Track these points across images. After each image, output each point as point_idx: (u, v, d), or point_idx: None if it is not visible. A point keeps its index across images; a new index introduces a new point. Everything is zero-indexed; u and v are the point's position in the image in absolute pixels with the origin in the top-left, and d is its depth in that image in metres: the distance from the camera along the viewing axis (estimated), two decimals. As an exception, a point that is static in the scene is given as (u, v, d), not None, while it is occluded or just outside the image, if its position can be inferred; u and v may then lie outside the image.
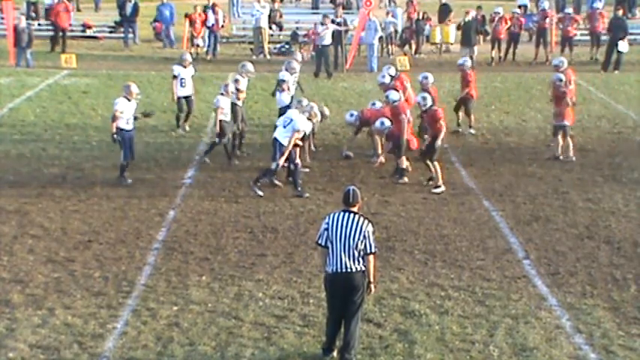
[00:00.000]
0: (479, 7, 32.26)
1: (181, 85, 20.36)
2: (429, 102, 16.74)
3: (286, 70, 20.10)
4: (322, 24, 28.50)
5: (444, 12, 33.30)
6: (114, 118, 16.40)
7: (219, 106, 17.77)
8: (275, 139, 16.08)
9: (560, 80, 18.54)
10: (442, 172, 16.62)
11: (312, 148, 18.65)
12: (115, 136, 16.40)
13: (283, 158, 15.93)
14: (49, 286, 12.20)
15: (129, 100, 16.62)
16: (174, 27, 33.79)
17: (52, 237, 14.10)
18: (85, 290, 12.08)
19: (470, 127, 20.88)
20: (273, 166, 16.04)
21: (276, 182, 16.48)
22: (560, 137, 18.34)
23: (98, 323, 11.11)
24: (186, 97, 20.50)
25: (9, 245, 13.71)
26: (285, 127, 16.05)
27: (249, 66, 19.56)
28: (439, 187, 16.36)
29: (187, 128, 20.64)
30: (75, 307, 11.57)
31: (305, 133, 16.57)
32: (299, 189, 16.07)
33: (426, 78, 19.21)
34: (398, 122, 16.92)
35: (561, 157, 18.28)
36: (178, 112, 20.64)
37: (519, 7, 33.61)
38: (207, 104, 23.25)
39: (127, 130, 16.50)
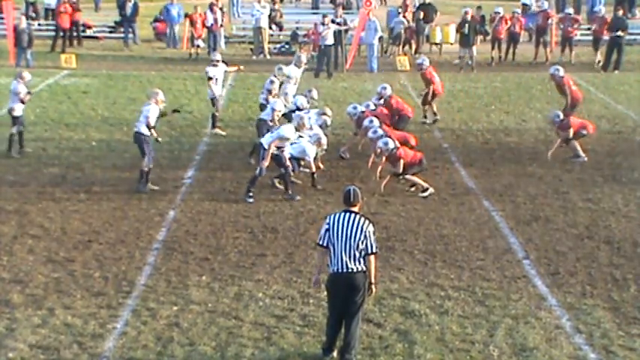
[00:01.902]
0: (479, 7, 32.27)
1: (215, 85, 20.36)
2: (391, 145, 16.14)
3: (295, 64, 20.62)
4: (323, 24, 28.52)
5: (429, 12, 33.07)
6: (149, 126, 16.10)
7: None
8: (260, 144, 16.07)
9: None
10: (443, 172, 16.61)
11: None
12: (146, 149, 16.12)
13: (266, 163, 15.78)
14: (48, 286, 12.20)
15: (160, 108, 16.42)
16: (177, 27, 33.80)
17: (51, 237, 14.10)
18: (84, 290, 12.08)
19: (424, 116, 21.69)
20: (257, 172, 15.96)
21: (278, 184, 16.47)
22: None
23: (98, 323, 11.11)
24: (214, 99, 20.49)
25: (9, 245, 13.70)
26: (272, 133, 16.08)
27: (286, 69, 19.88)
28: (426, 190, 16.28)
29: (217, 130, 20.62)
30: (75, 307, 11.56)
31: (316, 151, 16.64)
32: (290, 192, 16.00)
33: (385, 88, 19.23)
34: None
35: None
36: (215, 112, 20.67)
37: (523, 5, 33.42)
38: (208, 104, 23.28)
39: (149, 135, 16.33)
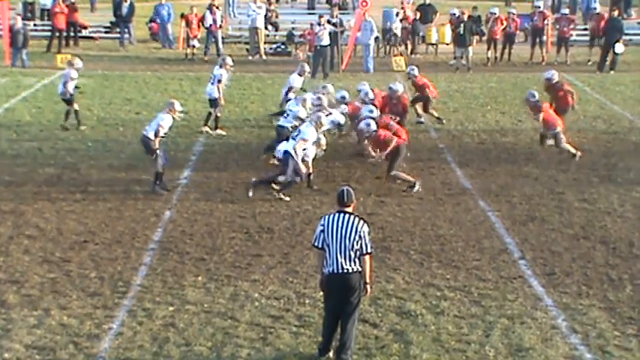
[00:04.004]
0: (474, 8, 32.30)
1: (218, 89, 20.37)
2: (373, 127, 16.41)
3: (299, 74, 20.65)
4: (319, 24, 28.53)
5: (427, 12, 33.13)
6: (157, 134, 16.09)
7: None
8: (285, 151, 15.99)
9: (534, 97, 18.59)
10: (439, 172, 16.61)
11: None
12: (158, 151, 16.09)
13: (303, 167, 15.85)
14: (44, 287, 12.19)
15: (173, 118, 16.39)
16: (171, 27, 33.78)
17: (47, 237, 14.08)
18: (80, 291, 12.07)
19: (418, 115, 21.61)
20: (297, 179, 16.02)
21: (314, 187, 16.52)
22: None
23: (94, 323, 11.11)
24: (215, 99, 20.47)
25: (4, 246, 13.69)
26: (294, 138, 16.03)
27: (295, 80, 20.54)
28: (414, 186, 16.31)
29: (210, 131, 20.60)
30: (71, 307, 11.56)
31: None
32: (282, 193, 15.98)
33: (366, 94, 19.12)
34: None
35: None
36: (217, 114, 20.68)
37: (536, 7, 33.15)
38: (204, 104, 23.26)
39: (163, 137, 16.35)
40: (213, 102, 20.41)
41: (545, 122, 18.40)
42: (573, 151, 18.40)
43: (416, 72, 21.31)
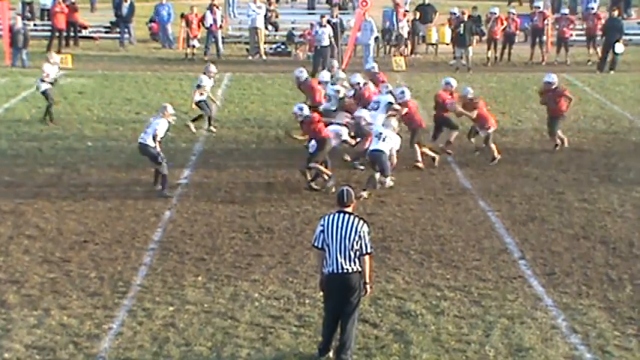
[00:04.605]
0: (474, 8, 32.31)
1: (200, 94, 20.40)
2: (306, 111, 16.71)
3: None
4: (321, 25, 28.54)
5: (427, 12, 33.10)
6: (155, 139, 16.03)
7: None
8: (379, 150, 16.00)
9: (469, 93, 18.43)
10: (439, 172, 16.65)
11: None
12: (161, 155, 16.07)
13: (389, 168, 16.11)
14: (44, 287, 12.19)
15: (168, 121, 16.38)
16: (171, 27, 33.77)
17: (47, 237, 14.08)
18: (80, 290, 12.08)
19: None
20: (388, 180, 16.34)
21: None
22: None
23: (94, 323, 11.11)
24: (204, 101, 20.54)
25: (4, 246, 13.69)
26: (384, 140, 16.04)
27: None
28: (329, 180, 16.40)
29: (213, 129, 20.76)
30: (71, 307, 11.56)
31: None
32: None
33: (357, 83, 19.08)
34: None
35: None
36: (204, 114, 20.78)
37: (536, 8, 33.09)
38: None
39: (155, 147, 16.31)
40: (198, 105, 20.49)
41: (479, 119, 18.27)
42: (496, 154, 18.15)
43: (407, 95, 18.13)
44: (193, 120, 20.62)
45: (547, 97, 19.35)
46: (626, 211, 15.57)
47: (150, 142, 16.00)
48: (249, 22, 32.30)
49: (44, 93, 21.30)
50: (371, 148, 16.14)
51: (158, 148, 16.10)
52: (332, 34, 28.91)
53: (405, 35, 32.07)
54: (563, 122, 19.44)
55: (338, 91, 18.06)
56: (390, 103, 17.79)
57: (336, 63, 21.17)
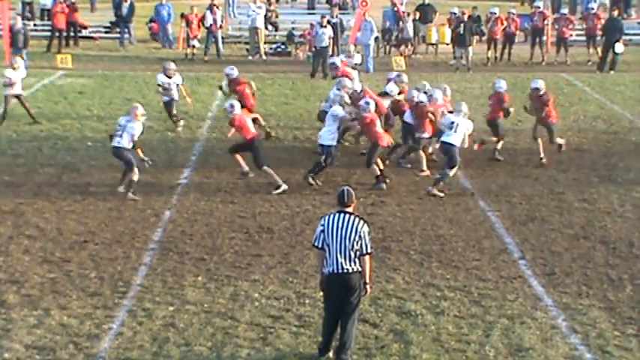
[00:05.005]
0: (474, 8, 32.31)
1: (164, 94, 20.52)
2: (236, 110, 16.81)
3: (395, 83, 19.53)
4: (321, 25, 28.54)
5: (427, 12, 33.09)
6: (135, 143, 15.97)
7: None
8: (450, 143, 16.17)
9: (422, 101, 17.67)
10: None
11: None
12: (133, 160, 15.94)
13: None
14: (44, 287, 12.19)
15: (142, 123, 16.37)
16: (172, 27, 33.77)
17: (47, 237, 14.09)
18: (80, 291, 12.08)
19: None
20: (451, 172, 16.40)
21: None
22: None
23: (94, 324, 11.11)
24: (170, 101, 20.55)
25: (4, 246, 13.69)
26: (456, 131, 16.16)
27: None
28: (278, 187, 16.41)
29: (179, 129, 20.69)
30: (71, 307, 11.56)
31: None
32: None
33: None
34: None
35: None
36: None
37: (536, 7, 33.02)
38: (203, 104, 23.33)
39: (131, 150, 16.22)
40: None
41: (370, 135, 17.23)
42: (425, 166, 17.50)
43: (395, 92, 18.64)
44: (173, 121, 20.58)
45: (535, 104, 18.57)
46: (626, 211, 15.57)
47: (126, 144, 15.90)
48: (249, 22, 32.30)
49: (6, 97, 20.97)
50: (443, 139, 16.37)
51: (141, 154, 16.08)
52: (332, 35, 28.92)
53: (411, 35, 32.00)
54: (556, 129, 18.70)
55: (342, 97, 17.67)
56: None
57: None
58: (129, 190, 15.96)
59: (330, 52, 28.60)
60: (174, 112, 20.63)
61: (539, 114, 18.35)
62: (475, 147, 18.10)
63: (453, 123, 16.28)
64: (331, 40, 28.89)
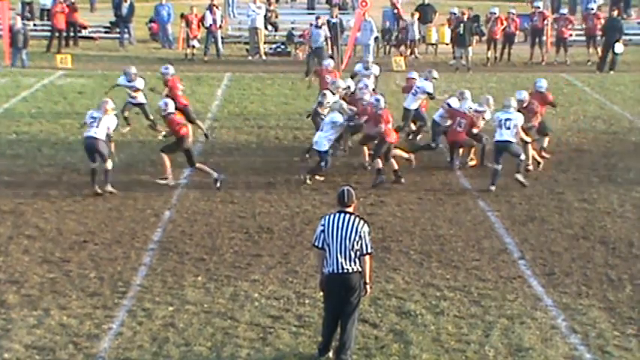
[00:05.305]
0: (469, 8, 32.30)
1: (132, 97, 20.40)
2: (170, 109, 16.77)
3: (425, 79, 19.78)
4: (317, 26, 28.53)
5: (427, 12, 33.08)
6: (110, 136, 16.24)
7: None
8: (506, 141, 16.50)
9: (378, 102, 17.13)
10: (439, 172, 16.64)
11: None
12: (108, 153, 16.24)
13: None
14: (44, 287, 12.19)
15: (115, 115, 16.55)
16: (171, 27, 33.77)
17: (47, 237, 14.08)
18: (80, 291, 12.07)
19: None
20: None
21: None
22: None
23: (94, 324, 11.11)
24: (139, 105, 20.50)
25: (4, 246, 13.69)
26: (508, 127, 16.44)
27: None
28: (165, 178, 16.58)
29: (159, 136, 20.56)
30: (70, 307, 11.56)
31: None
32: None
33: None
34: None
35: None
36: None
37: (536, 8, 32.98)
38: (203, 104, 23.35)
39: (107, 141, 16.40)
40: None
41: (386, 132, 16.90)
42: (377, 170, 16.90)
43: (382, 104, 17.18)
44: (151, 127, 20.49)
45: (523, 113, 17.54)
46: (626, 212, 15.57)
47: (103, 136, 16.04)
48: (249, 23, 32.29)
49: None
50: (497, 139, 16.58)
51: (112, 147, 16.34)
52: (328, 35, 28.88)
53: (416, 36, 31.91)
54: (543, 138, 18.38)
55: (340, 104, 17.55)
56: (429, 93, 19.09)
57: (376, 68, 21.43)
58: (106, 183, 16.08)
59: (330, 52, 28.63)
60: (151, 117, 20.40)
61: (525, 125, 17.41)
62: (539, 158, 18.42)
63: (501, 120, 16.55)
64: (328, 40, 28.90)
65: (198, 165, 16.68)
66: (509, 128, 16.36)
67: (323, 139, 16.74)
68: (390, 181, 16.78)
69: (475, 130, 17.71)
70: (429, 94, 19.24)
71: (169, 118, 16.59)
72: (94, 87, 25.68)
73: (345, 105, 17.42)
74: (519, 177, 16.61)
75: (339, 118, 16.88)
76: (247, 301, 11.79)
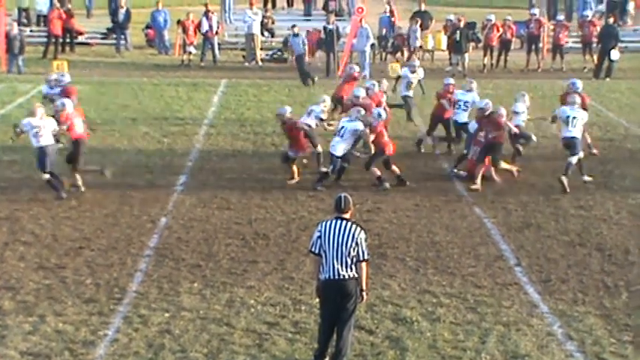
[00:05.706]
0: (462, 16, 32.36)
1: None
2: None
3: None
4: (295, 35, 28.69)
5: (423, 19, 33.05)
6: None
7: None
8: (573, 137, 17.16)
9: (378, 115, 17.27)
10: (435, 179, 16.64)
11: None
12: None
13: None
14: (40, 293, 12.17)
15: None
16: (168, 33, 33.80)
17: (43, 243, 14.06)
18: (76, 297, 12.05)
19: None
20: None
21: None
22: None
23: (89, 330, 11.08)
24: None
25: (0, 252, 13.67)
26: (574, 125, 17.15)
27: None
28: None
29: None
30: (66, 313, 11.53)
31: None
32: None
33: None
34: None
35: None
36: None
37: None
38: (199, 110, 23.34)
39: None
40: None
41: (377, 143, 16.99)
42: (377, 178, 17.04)
43: (381, 117, 17.40)
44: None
45: (482, 124, 17.55)
46: (622, 218, 15.58)
47: (52, 141, 16.20)
48: (246, 29, 32.34)
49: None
50: (564, 135, 17.29)
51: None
52: (305, 42, 28.92)
53: (418, 45, 31.90)
54: (501, 153, 17.68)
55: (359, 111, 17.34)
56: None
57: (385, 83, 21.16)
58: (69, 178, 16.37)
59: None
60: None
61: (489, 135, 17.23)
62: (595, 151, 19.42)
63: (569, 117, 17.23)
64: (306, 47, 29.02)
65: (79, 168, 16.69)
66: (575, 126, 17.16)
67: (340, 145, 16.84)
68: (393, 184, 16.93)
69: (515, 131, 17.80)
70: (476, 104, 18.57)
71: (63, 116, 16.64)
72: (90, 93, 25.62)
73: (363, 111, 17.36)
74: (564, 179, 16.92)
75: (360, 126, 16.85)
76: (243, 307, 11.78)
